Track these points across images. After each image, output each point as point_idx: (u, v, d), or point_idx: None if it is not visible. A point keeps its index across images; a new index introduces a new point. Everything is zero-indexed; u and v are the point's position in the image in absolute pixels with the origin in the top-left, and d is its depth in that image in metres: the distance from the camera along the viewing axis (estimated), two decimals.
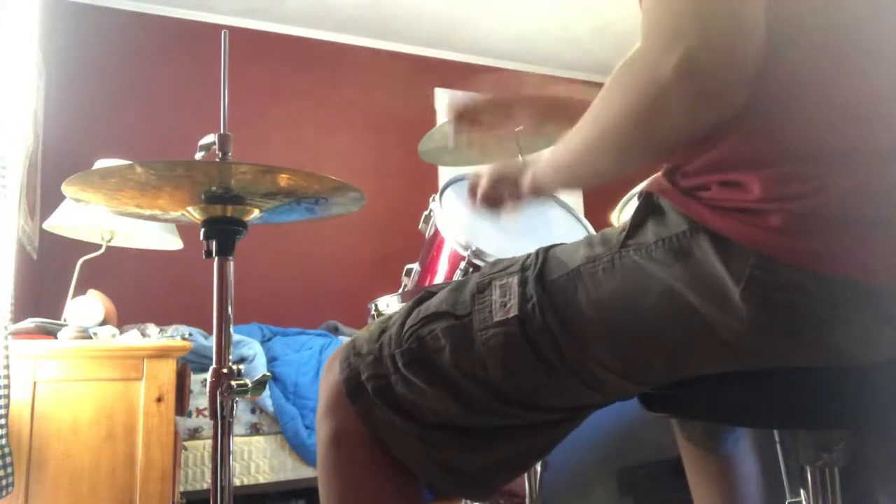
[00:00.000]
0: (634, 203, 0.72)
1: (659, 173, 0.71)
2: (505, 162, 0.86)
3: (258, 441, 2.61)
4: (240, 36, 3.57)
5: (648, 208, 0.69)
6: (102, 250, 2.16)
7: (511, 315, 0.72)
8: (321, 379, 0.85)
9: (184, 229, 2.24)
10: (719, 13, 0.55)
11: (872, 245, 0.59)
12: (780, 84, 0.61)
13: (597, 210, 1.64)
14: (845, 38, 0.62)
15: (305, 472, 2.62)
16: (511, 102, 1.00)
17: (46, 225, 2.11)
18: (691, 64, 0.55)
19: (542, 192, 0.82)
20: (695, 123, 0.59)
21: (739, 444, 0.96)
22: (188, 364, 2.07)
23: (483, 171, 0.88)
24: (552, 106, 1.01)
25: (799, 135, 0.61)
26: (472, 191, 0.90)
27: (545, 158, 0.78)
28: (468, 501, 1.49)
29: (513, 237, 1.27)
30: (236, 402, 1.04)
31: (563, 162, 0.74)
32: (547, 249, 0.77)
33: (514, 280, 0.74)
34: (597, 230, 1.04)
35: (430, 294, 0.83)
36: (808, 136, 0.61)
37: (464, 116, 0.99)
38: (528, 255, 0.77)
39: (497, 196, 0.87)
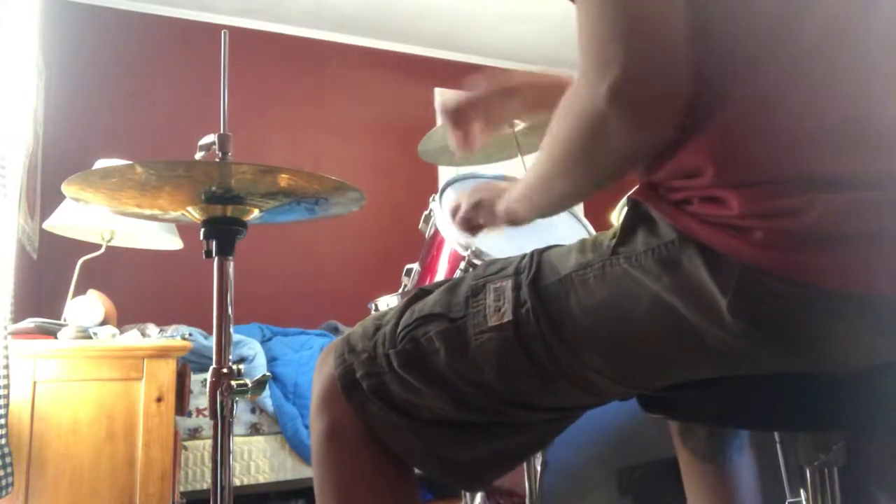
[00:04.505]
0: None
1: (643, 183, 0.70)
2: (486, 187, 0.88)
3: (258, 441, 2.61)
4: (239, 36, 3.56)
5: (637, 216, 0.68)
6: (102, 250, 2.16)
7: (506, 320, 0.72)
8: (315, 372, 0.86)
9: (184, 229, 2.24)
10: (638, 36, 0.57)
11: (862, 257, 0.58)
12: (754, 105, 0.61)
13: (597, 210, 1.64)
14: (823, 56, 0.60)
15: (305, 472, 2.62)
16: (501, 93, 0.98)
17: (46, 225, 2.11)
18: (619, 91, 0.57)
19: (514, 218, 0.82)
20: (634, 146, 0.61)
21: (740, 453, 0.96)
22: (188, 364, 2.07)
23: (464, 195, 0.91)
24: (542, 92, 1.00)
25: (775, 158, 0.60)
26: (453, 213, 0.93)
27: (516, 185, 0.79)
28: (467, 496, 1.49)
29: (513, 238, 1.26)
30: (236, 402, 1.04)
31: (530, 187, 0.76)
32: (541, 252, 0.77)
33: (509, 284, 0.74)
34: (597, 231, 1.04)
35: (424, 292, 0.83)
36: (784, 159, 0.60)
37: (457, 114, 0.98)
38: (523, 258, 0.77)
39: (474, 222, 0.90)
